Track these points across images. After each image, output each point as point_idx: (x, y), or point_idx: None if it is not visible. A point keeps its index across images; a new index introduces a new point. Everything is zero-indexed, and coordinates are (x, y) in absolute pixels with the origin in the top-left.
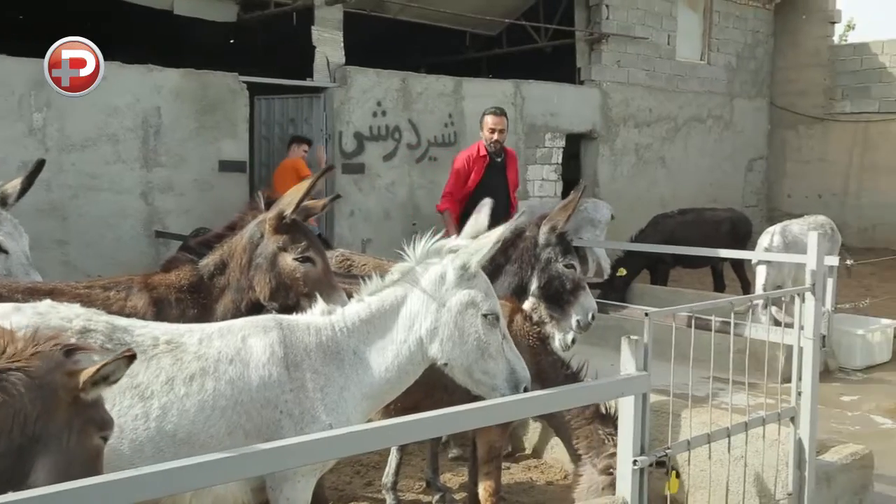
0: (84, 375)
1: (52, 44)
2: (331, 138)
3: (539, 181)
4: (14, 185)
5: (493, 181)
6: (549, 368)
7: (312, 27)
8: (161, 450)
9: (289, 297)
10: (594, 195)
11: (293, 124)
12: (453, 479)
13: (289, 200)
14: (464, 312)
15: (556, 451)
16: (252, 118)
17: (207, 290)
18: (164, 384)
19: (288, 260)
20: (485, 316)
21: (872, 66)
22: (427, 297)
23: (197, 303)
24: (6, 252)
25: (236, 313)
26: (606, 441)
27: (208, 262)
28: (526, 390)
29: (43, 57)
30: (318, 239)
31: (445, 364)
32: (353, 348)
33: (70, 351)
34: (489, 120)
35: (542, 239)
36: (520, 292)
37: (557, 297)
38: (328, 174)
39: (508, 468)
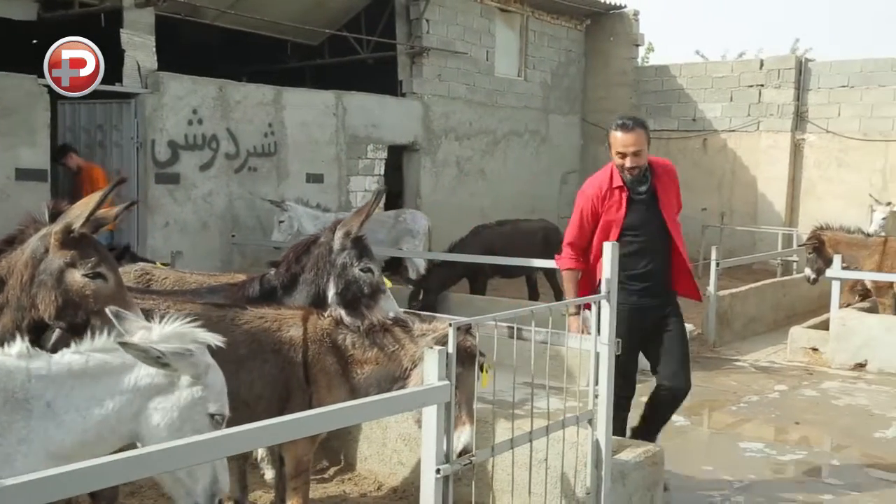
0: None
1: None
2: (143, 146)
3: (361, 192)
4: None
5: (641, 220)
6: (360, 350)
7: (121, 30)
8: None
9: (77, 316)
10: (416, 206)
11: (101, 131)
12: (264, 496)
13: (78, 213)
14: (192, 407)
15: (369, 462)
16: (55, 124)
17: None
18: None
19: (76, 276)
20: (211, 416)
21: (672, 87)
22: (160, 376)
23: None
24: None
25: (17, 333)
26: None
27: None
28: (220, 502)
29: None
30: (127, 252)
31: None
32: (49, 400)
33: None
34: (617, 138)
35: (336, 244)
36: (319, 301)
37: (357, 303)
38: (120, 186)
39: (321, 482)
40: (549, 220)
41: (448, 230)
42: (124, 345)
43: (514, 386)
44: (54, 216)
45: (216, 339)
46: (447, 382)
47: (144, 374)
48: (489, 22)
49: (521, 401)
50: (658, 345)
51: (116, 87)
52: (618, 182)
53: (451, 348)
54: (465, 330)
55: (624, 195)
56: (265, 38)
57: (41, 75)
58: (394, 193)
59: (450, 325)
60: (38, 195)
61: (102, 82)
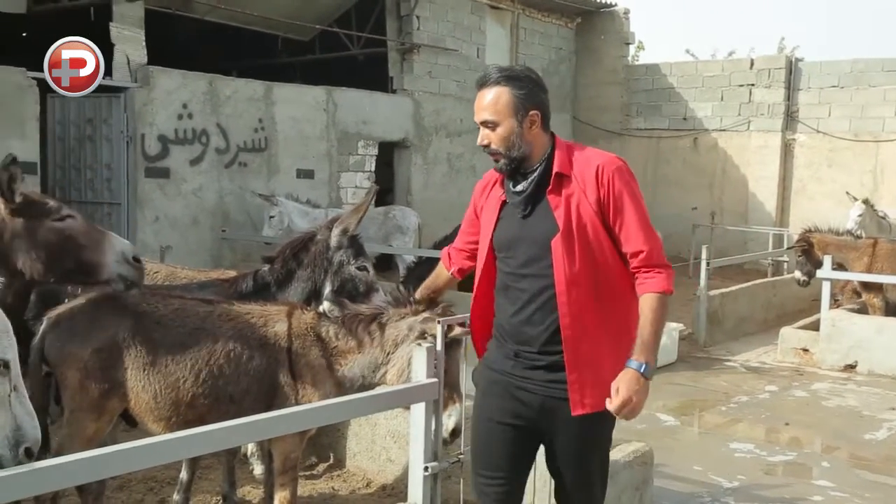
0: None
1: None
2: (132, 140)
3: (352, 189)
4: None
5: (510, 236)
6: (343, 340)
7: (111, 24)
8: None
9: (67, 262)
10: (407, 203)
11: (91, 125)
12: (253, 491)
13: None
14: None
15: (358, 459)
16: (45, 117)
17: None
18: None
19: (49, 224)
20: None
21: (662, 86)
22: None
23: None
24: None
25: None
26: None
27: None
28: (29, 451)
29: None
30: None
31: None
32: None
33: None
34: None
35: (333, 242)
36: (314, 297)
37: (351, 301)
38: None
39: (310, 478)
40: None
41: (438, 227)
42: None
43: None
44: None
45: None
46: (435, 380)
47: None
48: (480, 19)
49: None
50: (551, 463)
51: (106, 81)
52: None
53: (439, 346)
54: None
55: (501, 194)
56: (256, 33)
57: (31, 68)
58: (384, 190)
59: (438, 322)
60: (27, 187)
61: None
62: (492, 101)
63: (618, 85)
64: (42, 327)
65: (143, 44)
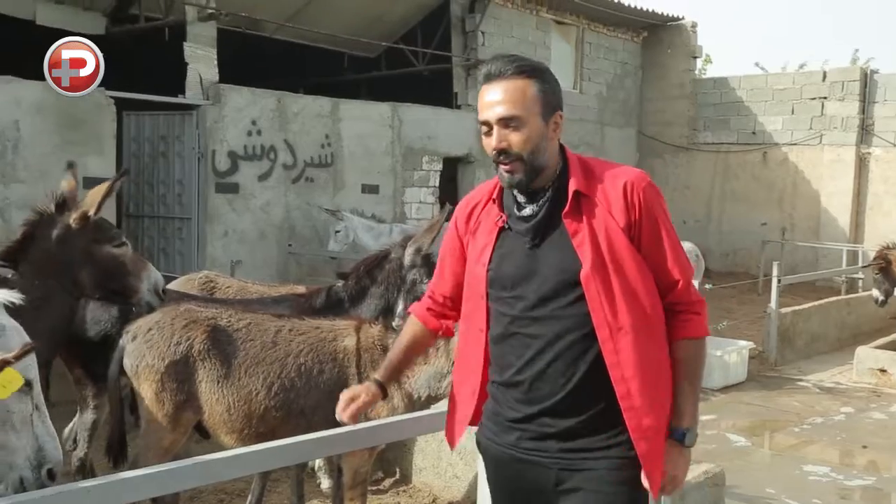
0: None
1: None
2: (203, 157)
3: (416, 204)
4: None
5: (516, 270)
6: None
7: (185, 43)
8: None
9: (114, 283)
10: None
11: (164, 141)
12: None
13: (90, 201)
14: None
15: (424, 474)
16: (121, 134)
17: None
18: None
19: (108, 248)
20: None
21: (731, 100)
22: None
23: None
24: None
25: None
26: None
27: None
28: (51, 473)
29: None
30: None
31: None
32: None
33: None
34: (480, 96)
35: (407, 260)
36: (386, 314)
37: None
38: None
39: (377, 493)
40: None
41: None
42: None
43: None
44: (59, 205)
45: (12, 297)
46: None
47: None
48: (545, 34)
49: None
50: None
51: (179, 99)
52: (493, 191)
53: None
54: None
55: (498, 218)
56: (322, 50)
57: (109, 88)
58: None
59: None
60: (105, 203)
61: (166, 94)
62: (516, 93)
63: (685, 99)
64: (121, 340)
65: (215, 62)
